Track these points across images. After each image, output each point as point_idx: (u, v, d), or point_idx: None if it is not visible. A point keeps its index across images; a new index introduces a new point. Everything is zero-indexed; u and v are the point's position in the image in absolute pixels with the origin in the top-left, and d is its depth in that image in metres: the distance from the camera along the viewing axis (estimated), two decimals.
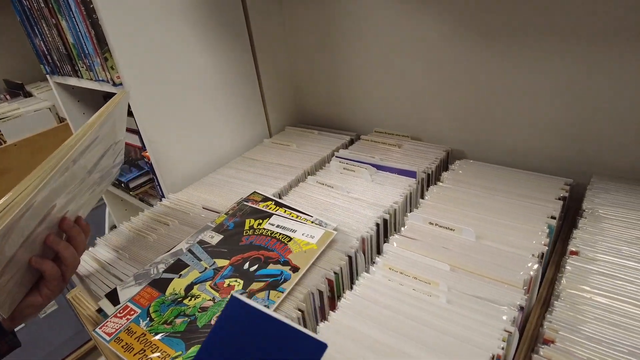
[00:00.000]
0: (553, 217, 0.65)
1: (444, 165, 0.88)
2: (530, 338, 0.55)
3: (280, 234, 0.66)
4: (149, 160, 0.87)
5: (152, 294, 0.60)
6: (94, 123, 0.55)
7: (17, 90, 1.86)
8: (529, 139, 0.81)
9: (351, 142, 0.99)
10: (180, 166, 0.91)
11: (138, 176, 0.98)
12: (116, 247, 0.74)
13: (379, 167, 0.82)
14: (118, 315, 0.57)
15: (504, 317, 0.51)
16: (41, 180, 0.47)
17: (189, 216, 0.78)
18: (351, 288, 0.61)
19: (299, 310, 0.54)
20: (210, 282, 0.60)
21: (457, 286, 0.56)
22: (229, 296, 0.57)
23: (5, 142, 1.57)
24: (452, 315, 0.52)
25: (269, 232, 0.67)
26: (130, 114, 0.88)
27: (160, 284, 0.61)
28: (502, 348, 0.47)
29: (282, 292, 0.56)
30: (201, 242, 0.68)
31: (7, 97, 1.87)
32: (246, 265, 0.62)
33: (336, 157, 0.88)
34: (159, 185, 0.90)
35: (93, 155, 0.59)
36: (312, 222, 0.68)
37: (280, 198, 0.81)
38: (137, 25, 0.77)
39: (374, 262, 0.62)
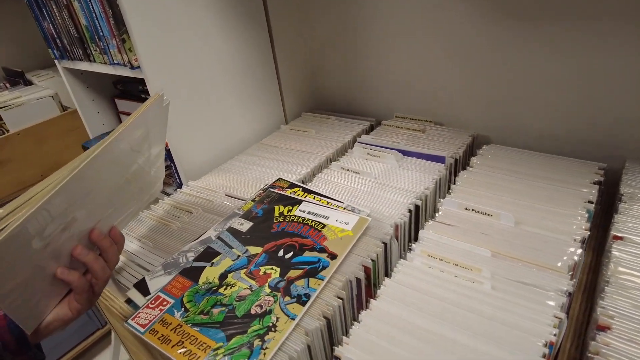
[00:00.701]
0: (590, 202, 0.64)
1: (470, 150, 0.86)
2: (575, 324, 0.54)
3: (313, 220, 0.64)
4: (167, 146, 0.84)
5: (184, 284, 0.58)
6: (120, 128, 0.52)
7: (17, 79, 1.81)
8: (558, 123, 0.79)
9: (371, 127, 0.97)
10: (198, 153, 0.89)
11: None
12: (139, 236, 0.72)
13: (405, 153, 0.80)
14: (150, 306, 0.55)
15: (552, 303, 0.50)
16: (55, 186, 0.44)
17: (213, 204, 0.76)
18: (387, 275, 0.60)
19: (339, 298, 0.52)
20: (244, 270, 0.58)
21: (500, 272, 0.54)
22: (266, 285, 0.55)
23: (8, 131, 1.53)
24: (498, 301, 0.51)
25: (300, 219, 0.65)
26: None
27: (191, 273, 0.59)
28: (554, 334, 0.46)
29: (322, 280, 0.54)
30: (231, 230, 0.66)
31: (7, 85, 1.83)
32: (281, 253, 0.60)
33: (359, 142, 0.86)
34: (176, 172, 0.88)
35: (122, 163, 0.55)
36: (344, 209, 0.66)
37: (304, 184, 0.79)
38: (156, 5, 0.74)
39: (410, 249, 0.61)
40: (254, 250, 0.61)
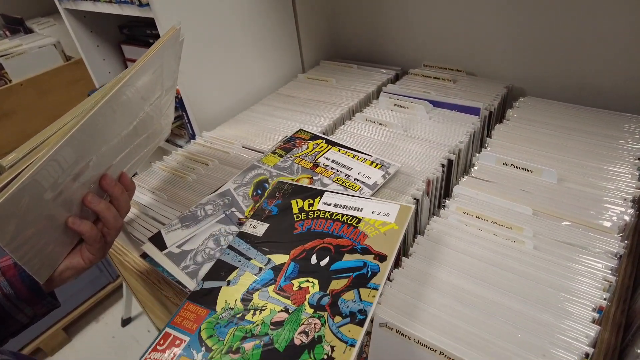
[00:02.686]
0: None
1: (505, 102, 0.79)
2: (621, 288, 0.51)
3: (344, 215, 0.51)
4: (179, 94, 0.79)
5: (197, 313, 0.45)
6: (137, 64, 0.47)
7: (16, 26, 1.73)
8: (601, 72, 0.72)
9: (396, 77, 0.90)
10: (212, 102, 0.83)
11: None
12: (152, 188, 0.68)
13: (435, 104, 0.74)
14: (158, 348, 0.43)
15: (599, 265, 0.46)
16: (65, 134, 0.40)
17: (229, 155, 0.72)
18: (417, 233, 0.56)
19: None
20: (273, 286, 0.46)
21: (544, 232, 0.51)
22: (306, 303, 0.44)
23: (10, 81, 1.48)
24: (542, 262, 0.47)
25: (327, 214, 0.52)
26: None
27: (205, 298, 0.47)
28: (605, 299, 0.43)
29: (377, 289, 0.42)
30: (242, 235, 0.53)
31: (7, 33, 1.74)
32: (314, 259, 0.47)
33: (385, 92, 0.79)
34: (189, 122, 0.83)
35: (135, 105, 0.50)
36: (372, 163, 0.61)
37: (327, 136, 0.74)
38: None
39: (443, 206, 0.56)
40: (278, 259, 0.49)
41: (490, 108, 0.73)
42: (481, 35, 0.82)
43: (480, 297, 0.45)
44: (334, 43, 1.07)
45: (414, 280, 0.47)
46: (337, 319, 0.41)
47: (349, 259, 0.46)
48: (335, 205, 0.53)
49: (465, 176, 0.60)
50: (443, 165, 0.61)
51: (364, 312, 0.41)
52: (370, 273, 0.44)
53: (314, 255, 0.48)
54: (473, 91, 0.78)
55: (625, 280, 0.51)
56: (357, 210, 0.51)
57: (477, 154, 0.62)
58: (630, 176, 0.56)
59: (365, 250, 0.46)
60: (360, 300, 0.42)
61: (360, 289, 0.43)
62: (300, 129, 0.71)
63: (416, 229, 0.59)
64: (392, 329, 0.43)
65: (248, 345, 0.41)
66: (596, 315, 0.41)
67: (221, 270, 0.49)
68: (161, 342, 0.44)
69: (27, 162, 0.38)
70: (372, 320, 0.44)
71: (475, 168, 0.60)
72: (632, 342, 0.42)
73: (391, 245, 0.46)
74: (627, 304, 0.49)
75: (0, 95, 1.40)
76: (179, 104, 0.82)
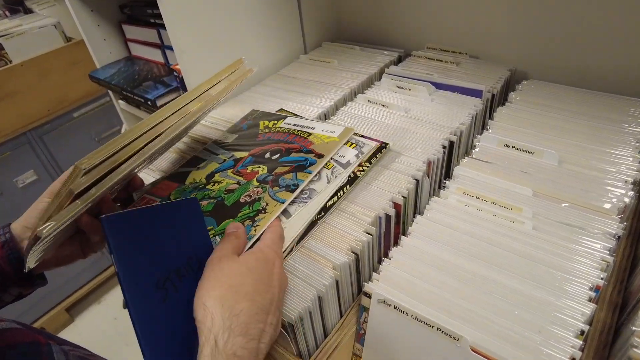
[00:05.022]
0: None
1: (508, 85, 0.79)
2: (619, 269, 0.51)
3: (299, 130, 0.63)
4: (180, 73, 0.79)
5: (169, 185, 0.58)
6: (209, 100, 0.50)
7: (16, 6, 1.71)
8: (604, 55, 0.71)
9: (399, 59, 0.89)
10: None
11: (165, 93, 0.89)
12: (154, 167, 0.68)
13: (438, 86, 0.73)
14: (136, 205, 0.55)
15: (598, 246, 0.46)
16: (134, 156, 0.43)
17: None
18: (417, 213, 0.56)
19: (368, 233, 0.49)
20: (231, 169, 0.58)
21: (543, 212, 0.51)
22: (254, 179, 0.55)
23: (10, 61, 1.46)
24: (540, 242, 0.47)
25: (286, 130, 0.63)
26: (160, 25, 0.76)
27: (177, 177, 0.59)
28: (602, 278, 0.43)
29: (310, 173, 0.54)
30: (216, 142, 0.66)
31: (7, 13, 1.73)
32: (267, 155, 0.59)
33: (387, 74, 0.79)
34: None
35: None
36: (348, 142, 0.62)
37: (327, 119, 0.74)
38: None
39: (443, 187, 0.56)
40: (239, 155, 0.61)
41: (492, 91, 0.72)
42: (485, 18, 0.81)
43: (478, 275, 0.45)
44: (336, 24, 1.05)
45: (413, 258, 0.48)
46: (276, 188, 0.52)
47: (295, 155, 0.58)
48: (295, 125, 0.64)
49: (466, 157, 0.59)
50: (444, 147, 0.61)
51: (296, 185, 0.52)
52: (308, 164, 0.55)
53: (268, 152, 0.59)
54: (476, 74, 0.77)
55: (624, 261, 0.51)
56: (311, 129, 0.62)
57: (479, 136, 0.61)
58: (631, 159, 0.56)
59: (309, 152, 0.58)
60: (297, 179, 0.53)
61: (298, 173, 0.54)
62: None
63: (416, 209, 0.60)
64: (390, 305, 0.43)
65: (204, 202, 0.53)
66: (593, 294, 0.42)
67: (194, 161, 0.62)
68: (139, 202, 0.56)
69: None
70: (370, 297, 0.45)
71: (477, 149, 0.60)
72: (627, 321, 0.42)
73: (329, 149, 0.57)
74: (623, 284, 0.49)
75: (0, 76, 1.39)
76: (180, 84, 0.82)
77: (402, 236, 0.50)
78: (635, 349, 0.35)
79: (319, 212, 0.51)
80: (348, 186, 0.54)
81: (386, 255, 0.51)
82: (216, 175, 0.57)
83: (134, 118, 1.13)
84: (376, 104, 0.72)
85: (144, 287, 0.36)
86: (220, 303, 0.35)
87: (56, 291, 1.68)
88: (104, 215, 0.35)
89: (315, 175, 0.54)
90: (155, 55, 1.02)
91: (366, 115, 0.70)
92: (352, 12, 1.01)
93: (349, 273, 0.48)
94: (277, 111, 0.72)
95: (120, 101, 1.11)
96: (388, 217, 0.53)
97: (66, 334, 1.71)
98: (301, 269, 0.47)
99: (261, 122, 0.67)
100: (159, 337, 0.36)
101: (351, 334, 0.50)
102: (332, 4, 1.02)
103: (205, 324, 0.34)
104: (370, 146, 0.59)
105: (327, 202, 0.51)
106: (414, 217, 0.53)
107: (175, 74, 0.81)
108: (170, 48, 0.88)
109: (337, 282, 0.46)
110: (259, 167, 0.57)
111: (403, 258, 0.48)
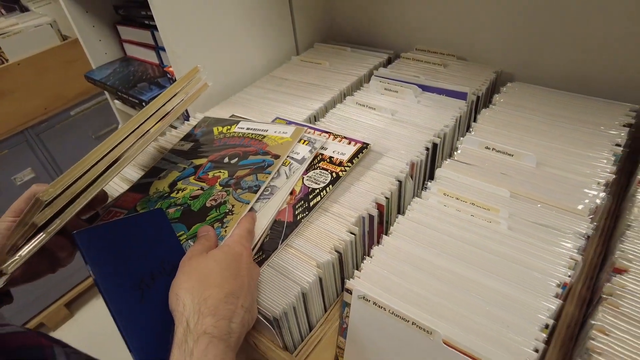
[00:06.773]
0: (618, 145, 0.61)
1: (494, 87, 0.81)
2: (589, 267, 0.53)
3: (253, 133, 0.66)
4: (173, 75, 0.81)
5: (133, 197, 0.59)
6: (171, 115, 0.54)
7: (12, 4, 1.72)
8: (590, 60, 0.73)
9: (389, 60, 0.91)
10: None
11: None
12: (143, 165, 0.70)
13: (424, 88, 0.76)
14: (104, 219, 0.57)
15: (568, 245, 0.49)
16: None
17: None
18: (400, 213, 0.59)
19: (352, 233, 0.52)
20: (193, 176, 0.60)
21: (519, 213, 0.53)
22: (217, 184, 0.57)
23: (7, 60, 1.48)
24: (514, 242, 0.50)
25: (240, 134, 0.66)
26: (154, 27, 0.77)
27: (139, 188, 0.61)
28: (569, 276, 0.45)
29: (269, 174, 0.57)
30: (173, 151, 0.68)
31: (3, 11, 1.74)
32: (226, 159, 0.61)
33: (376, 76, 0.81)
34: None
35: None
36: (301, 140, 0.65)
37: (316, 120, 0.76)
38: None
39: (425, 188, 0.59)
40: (198, 162, 0.63)
41: (477, 93, 0.74)
42: (472, 20, 0.82)
43: (454, 273, 0.47)
44: (328, 25, 1.07)
45: (393, 256, 0.50)
46: (239, 191, 0.55)
47: (253, 158, 0.60)
48: (248, 129, 0.67)
49: (449, 159, 0.62)
50: (427, 149, 0.63)
51: (258, 186, 0.55)
52: (266, 165, 0.58)
53: (227, 157, 0.62)
54: (462, 76, 0.79)
55: (594, 259, 0.54)
56: (264, 131, 0.66)
57: (462, 138, 0.64)
58: (605, 161, 0.58)
59: (265, 153, 0.61)
60: (257, 180, 0.56)
61: (258, 174, 0.57)
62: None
63: (399, 209, 0.62)
64: (369, 300, 0.46)
65: (171, 210, 0.55)
66: (560, 290, 0.44)
67: (153, 171, 0.64)
68: (105, 217, 0.58)
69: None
70: (350, 292, 0.47)
71: (459, 152, 0.63)
72: (590, 315, 0.44)
73: (285, 149, 0.61)
74: (593, 281, 0.51)
75: None
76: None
77: (384, 235, 0.53)
78: (592, 341, 0.38)
79: (303, 212, 0.53)
80: (331, 186, 0.56)
81: (368, 253, 0.53)
82: (179, 183, 0.59)
83: (129, 117, 1.15)
84: (364, 106, 0.74)
85: (121, 290, 0.40)
86: (190, 292, 0.39)
87: (55, 287, 1.70)
88: (75, 232, 0.39)
89: (275, 173, 0.58)
90: (150, 56, 1.04)
91: (354, 118, 0.72)
92: (344, 13, 1.03)
93: (332, 271, 0.51)
94: (229, 117, 0.76)
95: (116, 101, 1.13)
96: (371, 217, 0.55)
97: (66, 330, 1.73)
98: (286, 266, 0.49)
99: (215, 129, 0.70)
100: (140, 331, 0.40)
101: (335, 327, 0.52)
102: (324, 5, 1.03)
103: (178, 309, 0.38)
104: (320, 142, 0.63)
105: (311, 201, 0.54)
106: (396, 217, 0.55)
107: (169, 76, 0.82)
108: (164, 49, 0.90)
109: (320, 279, 0.49)
110: (220, 172, 0.59)
111: (384, 256, 0.50)
